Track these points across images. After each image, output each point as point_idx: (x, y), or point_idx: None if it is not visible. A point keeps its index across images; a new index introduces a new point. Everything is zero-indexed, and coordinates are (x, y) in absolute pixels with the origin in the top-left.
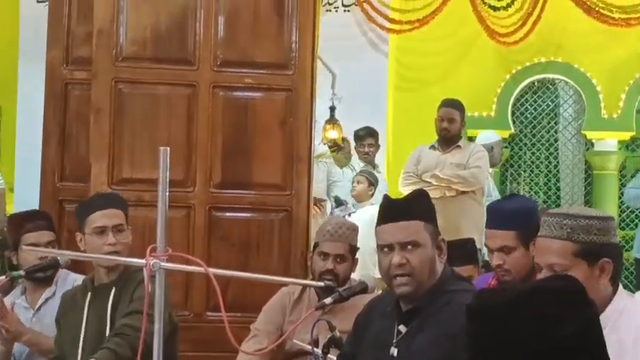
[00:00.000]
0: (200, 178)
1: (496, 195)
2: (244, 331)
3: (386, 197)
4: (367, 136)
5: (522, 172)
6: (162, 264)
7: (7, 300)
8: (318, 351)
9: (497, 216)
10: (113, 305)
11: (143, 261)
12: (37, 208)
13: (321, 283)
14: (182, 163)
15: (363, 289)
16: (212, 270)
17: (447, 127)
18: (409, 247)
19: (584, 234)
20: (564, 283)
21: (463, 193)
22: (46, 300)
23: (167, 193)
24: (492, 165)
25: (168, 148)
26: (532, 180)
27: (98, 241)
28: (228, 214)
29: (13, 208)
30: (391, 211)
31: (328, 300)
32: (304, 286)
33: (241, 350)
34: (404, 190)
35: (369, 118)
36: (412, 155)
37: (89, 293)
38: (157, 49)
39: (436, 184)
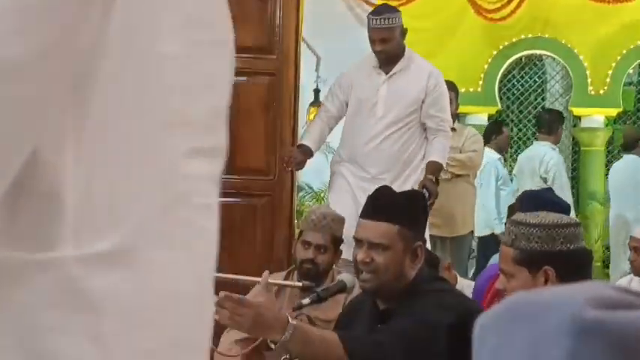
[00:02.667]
0: None
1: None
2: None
3: (377, 189)
4: None
5: (509, 149)
6: None
7: None
8: None
9: None
10: None
11: None
12: None
13: (299, 284)
14: None
15: (341, 288)
16: None
17: None
18: (377, 248)
19: (525, 241)
20: None
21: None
22: None
23: None
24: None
25: None
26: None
27: None
28: None
29: None
30: (371, 207)
31: (305, 301)
32: (283, 285)
33: (221, 342)
34: None
35: None
36: None
37: None
38: None
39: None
